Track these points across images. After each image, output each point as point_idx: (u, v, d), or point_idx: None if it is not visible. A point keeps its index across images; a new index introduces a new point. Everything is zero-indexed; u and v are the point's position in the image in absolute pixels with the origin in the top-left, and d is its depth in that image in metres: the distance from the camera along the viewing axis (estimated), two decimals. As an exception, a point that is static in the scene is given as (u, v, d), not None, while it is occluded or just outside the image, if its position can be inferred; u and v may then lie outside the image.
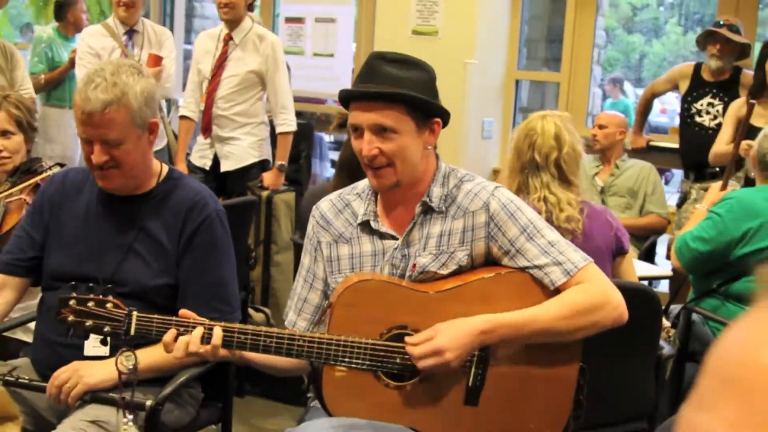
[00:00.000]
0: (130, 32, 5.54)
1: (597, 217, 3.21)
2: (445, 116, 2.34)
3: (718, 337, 2.60)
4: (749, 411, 0.68)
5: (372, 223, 2.37)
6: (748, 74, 5.42)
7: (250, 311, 4.74)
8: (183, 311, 2.24)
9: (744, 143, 4.32)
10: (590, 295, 2.23)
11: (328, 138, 11.02)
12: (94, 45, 5.49)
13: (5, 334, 2.79)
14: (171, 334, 2.20)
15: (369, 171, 2.29)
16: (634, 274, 3.41)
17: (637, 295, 2.86)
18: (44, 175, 3.39)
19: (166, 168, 2.71)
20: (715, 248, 3.61)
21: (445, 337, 2.14)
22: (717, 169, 5.32)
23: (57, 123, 6.24)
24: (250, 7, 5.44)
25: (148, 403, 2.37)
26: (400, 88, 2.22)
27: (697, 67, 5.55)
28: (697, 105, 5.48)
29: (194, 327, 2.20)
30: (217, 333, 2.19)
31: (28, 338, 2.93)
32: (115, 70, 2.48)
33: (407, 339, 2.18)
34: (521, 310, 2.21)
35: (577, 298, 2.23)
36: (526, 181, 3.18)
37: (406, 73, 2.26)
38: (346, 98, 2.31)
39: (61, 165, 3.51)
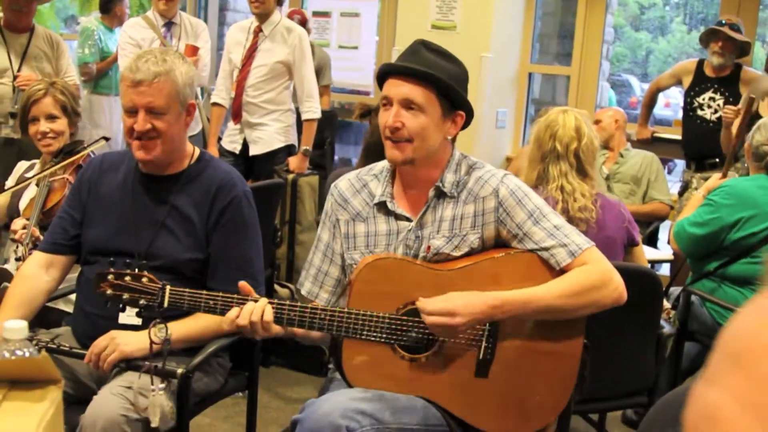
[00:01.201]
0: (169, 24, 5.55)
1: (611, 209, 3.19)
2: (469, 111, 2.34)
3: (722, 319, 2.57)
4: (754, 380, 0.67)
5: (388, 204, 2.37)
6: (748, 71, 5.39)
7: (276, 287, 4.75)
8: (243, 284, 2.24)
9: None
10: (592, 276, 2.24)
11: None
12: (135, 36, 5.50)
13: (48, 304, 2.81)
14: (235, 311, 2.20)
15: (388, 142, 2.30)
16: (645, 263, 3.40)
17: (640, 277, 2.85)
18: (87, 150, 3.41)
19: (198, 151, 2.72)
20: (709, 233, 3.60)
21: (459, 302, 2.16)
22: (717, 160, 5.29)
23: (103, 109, 6.28)
24: (280, 2, 5.43)
25: (180, 371, 2.38)
26: (436, 72, 2.23)
27: (700, 64, 5.54)
28: (699, 99, 5.46)
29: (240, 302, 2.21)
30: (269, 310, 2.19)
31: (69, 309, 2.95)
32: (164, 51, 2.58)
33: (421, 299, 2.19)
34: (527, 288, 2.22)
35: (579, 278, 2.23)
36: (546, 169, 3.17)
37: (444, 62, 2.28)
38: (386, 72, 2.31)
39: (107, 139, 3.53)
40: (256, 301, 2.21)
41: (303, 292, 2.51)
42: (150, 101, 2.50)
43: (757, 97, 4.55)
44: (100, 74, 6.38)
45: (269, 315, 2.20)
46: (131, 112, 2.52)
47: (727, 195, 3.60)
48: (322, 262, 2.47)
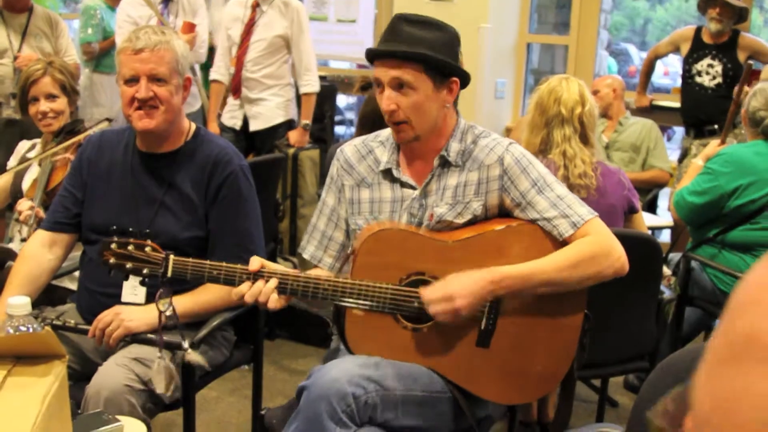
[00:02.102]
0: (166, 1, 5.51)
1: (611, 177, 3.18)
2: (462, 76, 2.32)
3: (722, 284, 2.56)
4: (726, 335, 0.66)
5: (394, 172, 2.37)
6: (746, 37, 5.37)
7: (279, 260, 4.75)
8: (256, 260, 2.22)
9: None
10: (593, 247, 2.23)
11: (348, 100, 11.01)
12: (132, 14, 5.47)
13: (53, 282, 2.81)
14: (246, 285, 2.19)
15: (391, 126, 2.30)
16: (645, 230, 3.39)
17: (640, 244, 2.85)
18: (90, 131, 3.40)
19: (193, 127, 2.71)
20: (709, 200, 3.60)
21: (456, 285, 2.14)
22: (716, 126, 5.28)
23: (104, 88, 6.26)
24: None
25: (185, 343, 2.38)
26: (419, 48, 2.21)
27: (698, 31, 5.51)
28: (698, 66, 5.44)
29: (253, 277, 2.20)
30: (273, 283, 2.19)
31: (74, 286, 2.96)
32: (159, 27, 2.61)
33: (422, 289, 2.18)
34: (528, 262, 2.21)
35: (581, 250, 2.22)
36: (550, 134, 3.16)
37: (426, 33, 2.25)
38: (370, 56, 2.30)
39: (109, 120, 3.53)
40: (265, 278, 2.20)
41: (306, 256, 2.50)
42: (152, 68, 2.50)
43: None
44: (102, 53, 6.35)
45: (275, 297, 2.19)
46: (131, 81, 2.52)
47: (726, 162, 3.59)
48: (327, 227, 2.47)
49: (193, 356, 2.35)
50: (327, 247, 2.46)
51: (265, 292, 2.18)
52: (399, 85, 2.23)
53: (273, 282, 2.19)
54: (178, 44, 2.57)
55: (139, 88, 2.50)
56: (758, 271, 0.68)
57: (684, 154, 5.51)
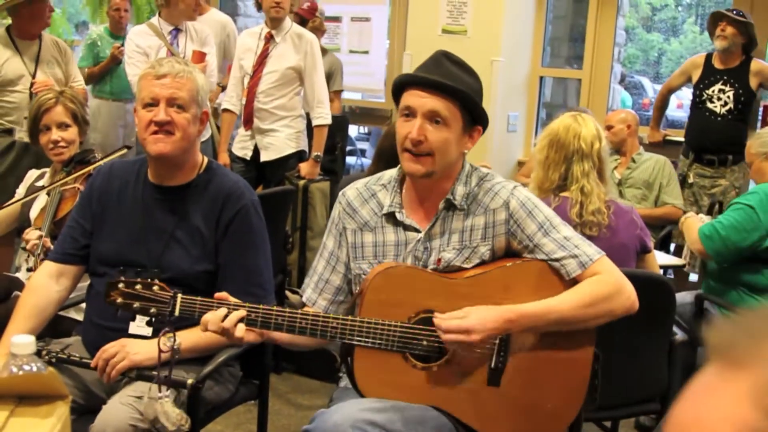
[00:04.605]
0: (175, 31, 5.54)
1: (623, 216, 3.17)
2: (485, 125, 2.34)
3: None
4: None
5: (397, 215, 2.36)
6: (758, 62, 5.35)
7: (287, 293, 4.75)
8: (219, 294, 2.23)
9: None
10: (604, 286, 2.23)
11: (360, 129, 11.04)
12: (141, 44, 5.49)
13: (59, 313, 2.81)
14: (209, 315, 2.18)
15: (406, 154, 2.28)
16: (657, 270, 3.37)
17: (652, 285, 2.84)
18: (106, 159, 3.40)
19: (206, 160, 2.72)
20: (747, 238, 3.55)
21: (474, 320, 2.14)
22: (716, 158, 5.28)
23: (101, 113, 6.35)
24: (291, 9, 5.46)
25: (190, 381, 2.37)
26: (461, 86, 2.23)
27: (708, 57, 5.52)
28: (708, 92, 5.42)
29: (236, 308, 2.19)
30: (238, 314, 2.17)
31: (80, 317, 2.95)
32: (182, 58, 2.59)
33: (437, 314, 2.17)
34: (542, 300, 2.21)
35: (592, 289, 2.23)
36: (569, 169, 3.14)
37: (465, 76, 2.28)
38: (408, 82, 2.29)
39: (128, 147, 3.54)
40: (234, 308, 2.19)
41: (303, 299, 2.50)
42: (173, 93, 2.53)
43: None
44: (93, 78, 6.44)
45: (242, 327, 2.17)
46: (150, 105, 2.54)
47: (762, 200, 3.54)
48: (324, 270, 2.46)
49: (166, 407, 2.30)
50: (323, 290, 2.46)
51: (231, 320, 2.15)
52: (433, 119, 2.23)
53: (241, 312, 2.16)
54: (199, 76, 2.60)
55: (157, 111, 2.52)
56: (688, 405, 0.73)
57: (683, 181, 5.45)
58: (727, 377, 0.71)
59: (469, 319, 2.14)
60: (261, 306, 2.21)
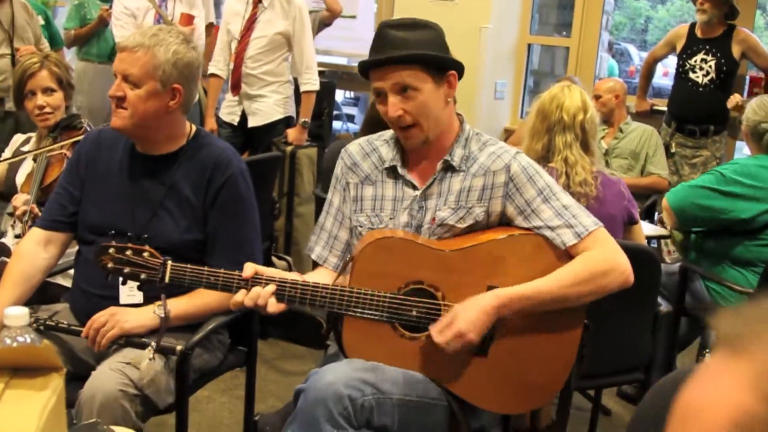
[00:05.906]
0: (163, -8, 5.49)
1: (611, 187, 3.19)
2: (458, 68, 2.34)
3: (719, 297, 2.57)
4: None
5: (399, 169, 2.38)
6: (741, 31, 5.37)
7: (274, 259, 4.76)
8: (250, 266, 2.22)
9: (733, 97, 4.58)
10: (598, 262, 2.24)
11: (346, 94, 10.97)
12: (129, 5, 5.44)
13: (47, 279, 2.80)
14: (242, 293, 2.20)
15: (398, 131, 2.33)
16: (643, 241, 3.40)
17: (638, 256, 2.84)
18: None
19: (194, 128, 2.70)
20: (710, 196, 3.59)
21: (463, 321, 2.15)
22: (697, 129, 5.31)
23: (87, 75, 6.27)
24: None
25: (179, 347, 2.38)
26: (411, 49, 2.23)
27: (692, 26, 5.57)
28: (691, 61, 5.46)
29: (252, 283, 2.21)
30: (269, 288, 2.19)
31: (68, 283, 2.95)
32: (165, 29, 2.58)
33: (431, 329, 2.19)
34: (532, 281, 2.22)
35: (585, 266, 2.23)
36: (552, 140, 3.17)
37: (413, 34, 2.27)
38: (366, 68, 2.31)
39: None
40: (262, 284, 2.21)
41: (313, 257, 2.51)
42: (126, 68, 2.50)
43: None
44: (79, 40, 6.35)
45: (273, 301, 2.20)
46: (115, 76, 2.54)
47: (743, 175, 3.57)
48: (333, 226, 2.48)
49: (156, 365, 2.33)
50: (333, 246, 2.48)
51: (264, 296, 2.19)
52: (402, 90, 2.24)
53: (271, 287, 2.20)
54: (165, 50, 2.49)
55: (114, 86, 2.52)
56: (692, 390, 0.74)
57: (666, 149, 5.46)
58: (730, 364, 0.73)
59: (459, 323, 2.15)
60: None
